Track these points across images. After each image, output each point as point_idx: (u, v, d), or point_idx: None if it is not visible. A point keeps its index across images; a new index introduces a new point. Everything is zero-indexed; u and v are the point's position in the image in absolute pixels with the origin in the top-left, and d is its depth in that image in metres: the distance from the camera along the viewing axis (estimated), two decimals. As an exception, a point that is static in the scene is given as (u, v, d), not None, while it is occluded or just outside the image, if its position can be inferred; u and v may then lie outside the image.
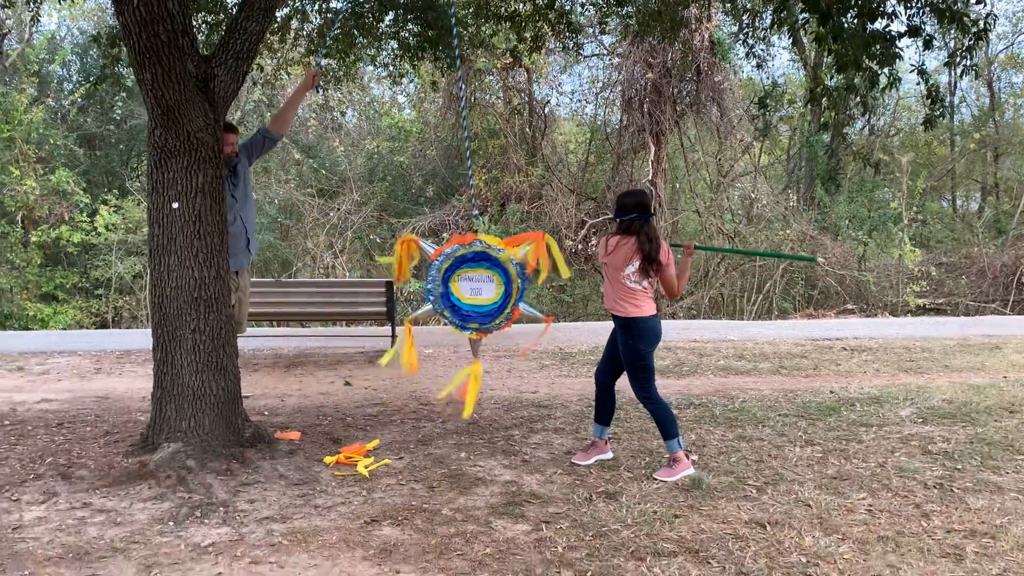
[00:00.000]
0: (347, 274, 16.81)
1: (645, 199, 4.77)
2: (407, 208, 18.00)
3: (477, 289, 4.46)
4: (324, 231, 17.21)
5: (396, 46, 8.23)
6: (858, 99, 5.26)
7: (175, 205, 4.71)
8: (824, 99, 5.63)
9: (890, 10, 5.06)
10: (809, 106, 17.58)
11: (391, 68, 8.89)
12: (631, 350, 4.70)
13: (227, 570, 3.48)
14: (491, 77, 17.40)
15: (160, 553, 3.64)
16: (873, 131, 20.67)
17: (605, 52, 17.68)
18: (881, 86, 5.20)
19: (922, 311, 15.60)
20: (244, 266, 5.60)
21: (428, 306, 4.54)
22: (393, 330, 9.11)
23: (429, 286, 4.49)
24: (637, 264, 4.65)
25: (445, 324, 4.75)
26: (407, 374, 4.90)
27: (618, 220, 4.73)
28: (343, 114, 20.75)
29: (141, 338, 10.28)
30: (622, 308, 4.68)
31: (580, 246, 15.75)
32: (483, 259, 4.41)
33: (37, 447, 5.29)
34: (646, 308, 4.68)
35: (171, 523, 3.99)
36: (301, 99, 6.04)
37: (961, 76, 5.30)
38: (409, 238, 4.57)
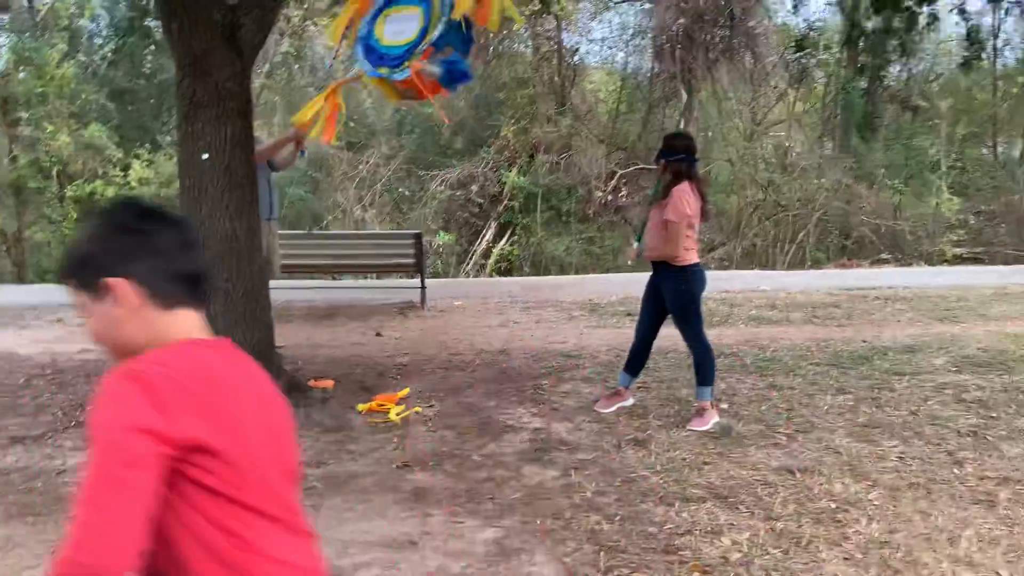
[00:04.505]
0: (377, 227, 16.88)
1: (694, 143, 4.78)
2: (436, 160, 17.94)
3: (399, 31, 4.05)
4: (354, 184, 17.24)
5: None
6: (897, 41, 5.10)
7: (205, 156, 4.74)
8: (861, 41, 5.47)
9: (932, -54, 4.89)
10: (845, 51, 17.16)
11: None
12: (687, 296, 4.69)
13: (263, 513, 3.56)
14: (519, 25, 17.15)
15: (198, 497, 3.74)
16: (911, 76, 20.08)
17: (636, -2, 17.34)
18: (920, 26, 5.04)
19: (959, 260, 15.33)
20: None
21: (357, 66, 4.23)
22: (423, 281, 9.14)
23: (360, 33, 4.13)
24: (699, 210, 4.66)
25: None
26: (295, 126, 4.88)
27: (664, 161, 4.66)
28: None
29: (176, 291, 10.42)
30: (682, 257, 4.65)
31: (610, 197, 15.63)
32: None
33: (77, 396, 5.42)
34: (696, 254, 4.69)
35: (208, 468, 4.08)
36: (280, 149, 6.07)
37: (1006, 15, 5.13)
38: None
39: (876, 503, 3.61)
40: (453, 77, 4.22)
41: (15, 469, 4.10)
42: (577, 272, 15.86)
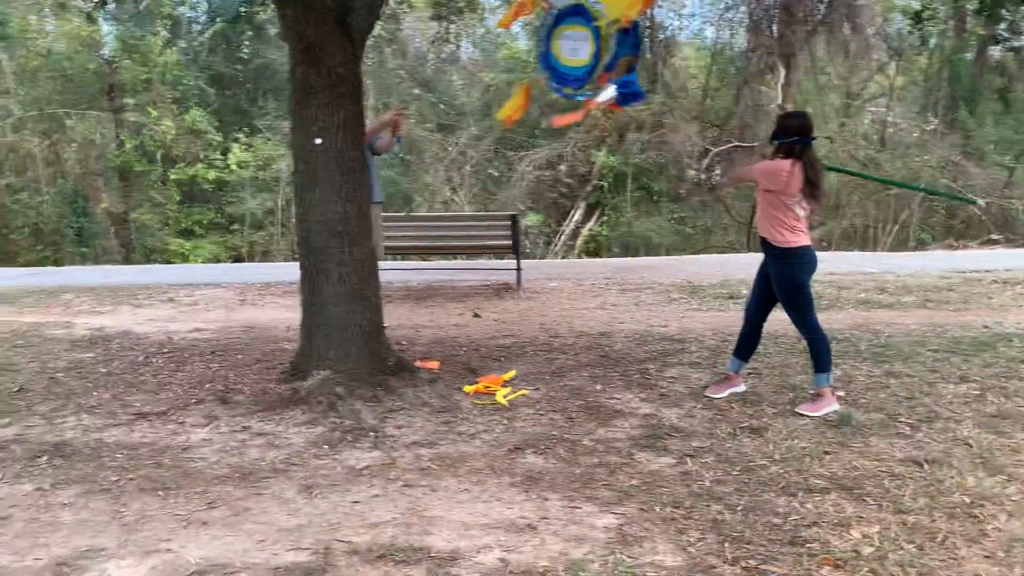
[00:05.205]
0: (466, 208, 16.96)
1: (808, 121, 4.56)
2: (524, 141, 17.90)
3: (575, 49, 4.42)
4: (443, 165, 17.36)
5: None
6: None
7: (318, 141, 4.80)
8: (996, 7, 5.14)
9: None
10: (951, 21, 16.31)
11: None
12: (790, 280, 4.54)
13: (382, 492, 3.62)
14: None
15: (318, 475, 3.82)
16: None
17: (730, -30, 16.86)
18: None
19: (1078, 241, 14.48)
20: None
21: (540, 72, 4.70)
22: (519, 263, 9.14)
23: (539, 47, 4.54)
24: (801, 191, 4.48)
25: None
26: (502, 122, 5.38)
27: (776, 143, 4.51)
28: (459, 47, 20.65)
29: (280, 271, 10.74)
30: (783, 238, 4.50)
31: (703, 175, 15.32)
32: (578, 13, 4.39)
33: (195, 374, 5.63)
34: (805, 237, 4.52)
35: (326, 446, 4.17)
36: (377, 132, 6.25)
37: None
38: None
39: (1015, 499, 3.43)
40: (626, 97, 4.60)
41: (142, 444, 4.27)
42: (668, 253, 15.64)
